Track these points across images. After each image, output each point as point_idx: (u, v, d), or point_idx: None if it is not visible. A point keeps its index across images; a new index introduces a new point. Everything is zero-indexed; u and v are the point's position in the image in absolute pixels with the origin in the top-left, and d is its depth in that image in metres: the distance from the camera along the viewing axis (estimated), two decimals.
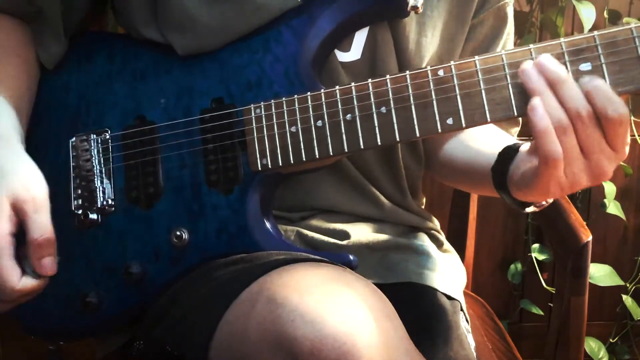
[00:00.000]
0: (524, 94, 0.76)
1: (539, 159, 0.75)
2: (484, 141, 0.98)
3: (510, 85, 0.77)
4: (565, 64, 0.75)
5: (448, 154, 1.04)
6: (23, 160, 0.85)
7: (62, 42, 0.97)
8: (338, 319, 0.67)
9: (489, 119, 0.78)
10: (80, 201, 0.94)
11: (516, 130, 1.08)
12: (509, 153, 0.86)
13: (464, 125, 0.79)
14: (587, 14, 1.62)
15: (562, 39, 0.76)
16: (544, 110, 0.73)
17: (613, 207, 1.77)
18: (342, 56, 0.93)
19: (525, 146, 0.84)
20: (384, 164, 1.00)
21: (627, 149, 0.75)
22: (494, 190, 0.88)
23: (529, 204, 0.87)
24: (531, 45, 0.77)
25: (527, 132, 0.79)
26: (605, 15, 1.69)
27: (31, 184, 0.82)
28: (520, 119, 1.06)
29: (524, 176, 0.80)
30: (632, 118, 1.75)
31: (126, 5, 0.96)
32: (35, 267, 0.81)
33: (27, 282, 0.80)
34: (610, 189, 1.75)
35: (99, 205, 0.93)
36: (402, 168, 1.01)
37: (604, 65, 0.74)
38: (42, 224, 0.80)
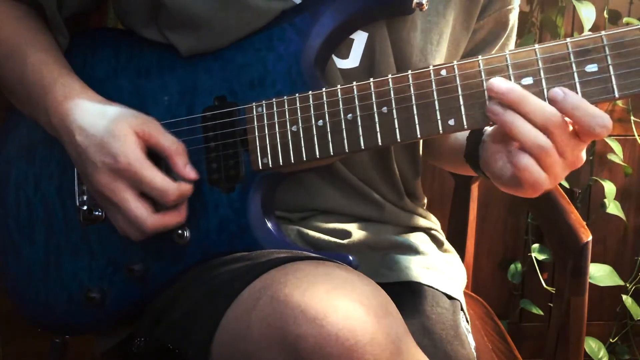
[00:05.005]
0: None
1: (524, 185, 0.76)
2: None
3: None
4: (571, 64, 0.74)
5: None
6: (114, 103, 0.89)
7: (66, 35, 0.97)
8: (340, 315, 0.67)
9: (491, 121, 0.77)
10: (84, 197, 0.95)
11: None
12: (476, 137, 0.88)
13: (465, 126, 0.78)
14: (587, 14, 1.62)
15: (568, 39, 0.74)
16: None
17: (613, 207, 1.77)
18: (340, 63, 0.93)
19: (487, 132, 0.85)
20: (378, 167, 1.00)
21: None
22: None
23: None
24: (536, 46, 0.75)
25: None
26: (605, 15, 1.69)
27: (141, 115, 0.87)
28: None
29: (509, 181, 0.80)
30: (632, 118, 1.75)
31: (124, 5, 0.96)
32: (181, 174, 0.86)
33: (181, 186, 0.85)
34: (610, 189, 1.75)
35: None
36: (396, 172, 1.01)
37: (610, 67, 0.73)
38: (172, 138, 0.86)
